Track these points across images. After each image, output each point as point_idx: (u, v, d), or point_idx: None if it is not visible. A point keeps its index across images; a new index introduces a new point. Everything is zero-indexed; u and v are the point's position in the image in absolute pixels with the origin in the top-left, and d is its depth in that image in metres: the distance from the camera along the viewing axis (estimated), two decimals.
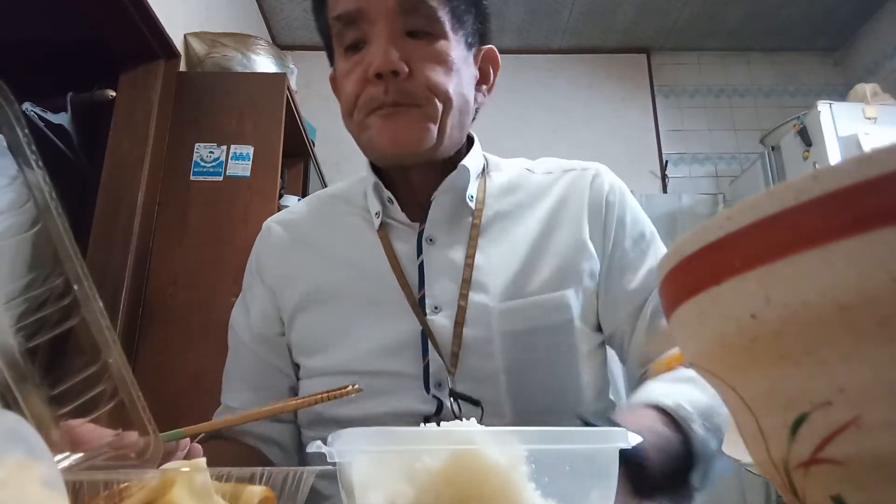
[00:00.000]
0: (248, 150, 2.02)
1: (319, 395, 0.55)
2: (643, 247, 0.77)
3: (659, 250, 0.78)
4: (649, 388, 0.64)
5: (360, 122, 0.72)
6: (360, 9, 0.69)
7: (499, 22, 3.38)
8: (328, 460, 0.37)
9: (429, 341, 0.70)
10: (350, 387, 0.55)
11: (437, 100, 0.70)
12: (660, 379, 0.67)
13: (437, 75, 0.70)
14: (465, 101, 0.74)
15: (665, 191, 3.35)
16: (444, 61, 0.71)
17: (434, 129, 0.71)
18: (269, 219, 0.88)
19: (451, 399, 0.68)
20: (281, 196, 2.19)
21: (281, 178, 2.12)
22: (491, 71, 0.81)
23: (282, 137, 2.05)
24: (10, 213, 1.39)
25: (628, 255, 0.76)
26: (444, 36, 0.71)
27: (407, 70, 0.68)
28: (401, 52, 0.68)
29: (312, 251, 0.80)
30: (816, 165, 2.51)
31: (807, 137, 2.59)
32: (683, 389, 0.61)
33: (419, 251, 0.74)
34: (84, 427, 0.43)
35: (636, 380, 0.75)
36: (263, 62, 2.24)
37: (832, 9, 3.31)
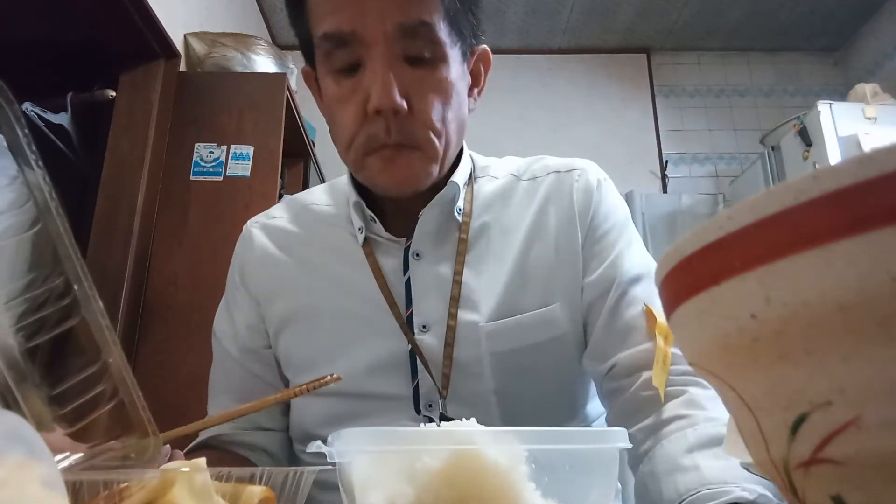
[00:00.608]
0: (248, 150, 2.02)
1: (299, 388, 0.54)
2: (612, 238, 0.73)
3: (630, 239, 0.75)
4: (700, 467, 0.55)
5: (357, 161, 0.68)
6: (355, 31, 0.63)
7: (499, 22, 3.38)
8: (328, 460, 0.37)
9: (418, 361, 0.69)
10: (329, 377, 0.53)
11: (437, 141, 0.67)
12: (694, 449, 0.57)
13: (437, 111, 0.66)
14: (462, 122, 0.71)
15: (665, 191, 3.35)
16: (444, 90, 0.67)
17: (436, 168, 0.68)
18: (249, 221, 0.84)
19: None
20: (281, 196, 2.19)
21: (281, 178, 2.12)
22: (482, 71, 0.77)
23: (282, 137, 2.05)
24: (10, 213, 1.39)
25: (596, 247, 0.73)
26: (443, 59, 0.66)
27: (407, 108, 0.64)
28: (400, 82, 0.63)
29: (298, 266, 0.77)
30: (816, 165, 2.51)
31: (807, 137, 2.59)
32: (736, 465, 0.52)
33: (405, 267, 0.72)
34: (61, 441, 0.42)
35: (602, 376, 0.70)
36: (263, 62, 2.24)
37: (832, 9, 3.31)
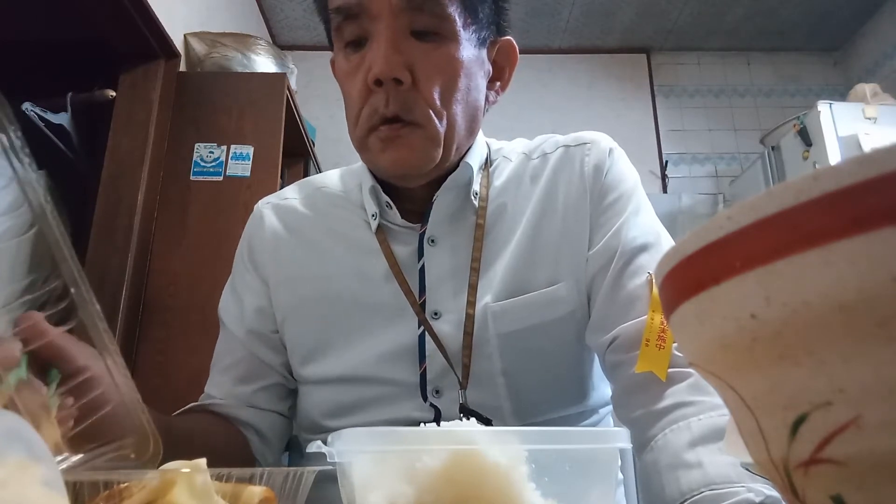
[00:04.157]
0: (248, 150, 2.01)
1: None
2: (619, 207, 0.71)
3: (638, 206, 0.72)
4: (703, 464, 0.53)
5: (360, 140, 0.68)
6: (362, 3, 0.64)
7: None
8: (328, 460, 0.37)
9: (426, 348, 0.68)
10: None
11: (437, 121, 0.65)
12: (697, 443, 0.55)
13: (440, 89, 0.65)
14: (474, 109, 0.70)
15: (665, 191, 3.35)
16: (450, 68, 0.66)
17: (437, 150, 0.67)
18: (261, 201, 0.83)
19: (462, 415, 0.65)
20: None
21: (281, 178, 2.12)
22: (507, 66, 0.76)
23: (282, 137, 2.05)
24: (9, 215, 1.39)
25: (602, 218, 0.71)
26: (452, 37, 0.65)
27: (410, 78, 0.63)
28: (404, 55, 0.63)
29: (309, 251, 0.76)
30: (816, 165, 2.51)
31: (807, 137, 2.59)
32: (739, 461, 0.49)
33: (420, 254, 0.72)
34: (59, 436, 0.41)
35: (604, 349, 0.68)
36: (263, 62, 2.24)
37: (832, 9, 3.30)
